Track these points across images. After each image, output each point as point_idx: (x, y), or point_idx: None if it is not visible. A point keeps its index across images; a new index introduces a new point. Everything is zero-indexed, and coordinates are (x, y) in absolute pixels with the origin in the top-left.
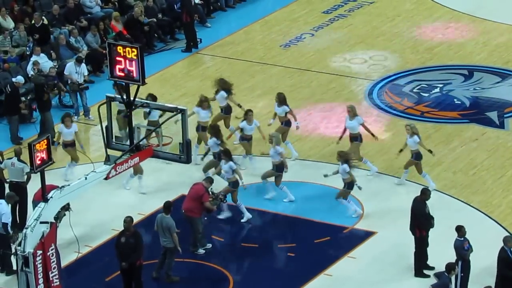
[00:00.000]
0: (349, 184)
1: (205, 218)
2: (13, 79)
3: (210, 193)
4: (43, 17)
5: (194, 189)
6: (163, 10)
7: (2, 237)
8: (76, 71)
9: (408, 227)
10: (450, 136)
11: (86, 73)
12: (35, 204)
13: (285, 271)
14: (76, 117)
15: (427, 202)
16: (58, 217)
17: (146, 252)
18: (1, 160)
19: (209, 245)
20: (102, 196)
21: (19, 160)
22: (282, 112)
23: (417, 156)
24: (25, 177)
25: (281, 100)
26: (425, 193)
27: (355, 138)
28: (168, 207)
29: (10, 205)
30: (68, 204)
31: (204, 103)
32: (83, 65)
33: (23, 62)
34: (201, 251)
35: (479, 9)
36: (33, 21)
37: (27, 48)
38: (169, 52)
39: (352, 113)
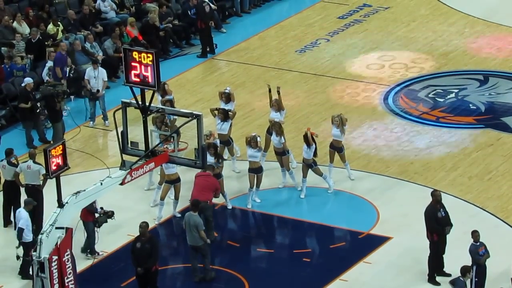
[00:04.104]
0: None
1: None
2: (22, 84)
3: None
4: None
5: (208, 181)
6: (178, 15)
7: (25, 244)
8: (94, 76)
9: (423, 232)
10: (465, 141)
11: (105, 78)
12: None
13: (300, 276)
14: (91, 122)
15: (444, 207)
16: (98, 221)
17: (162, 258)
18: (16, 164)
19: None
20: (118, 201)
21: (34, 162)
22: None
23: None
24: (41, 179)
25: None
26: (433, 195)
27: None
28: (196, 205)
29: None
30: (112, 211)
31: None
32: (101, 69)
33: (38, 69)
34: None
35: (494, 14)
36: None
37: (27, 66)
38: (184, 57)
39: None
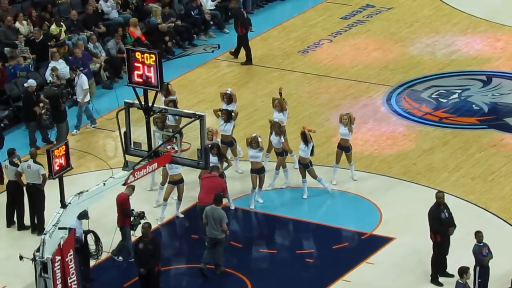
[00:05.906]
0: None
1: None
2: (25, 84)
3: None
4: (59, 27)
5: (215, 182)
6: (181, 16)
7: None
8: (75, 82)
9: (426, 232)
10: (469, 142)
11: (85, 86)
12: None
13: (303, 277)
14: (91, 125)
15: (448, 208)
16: (134, 224)
17: (165, 258)
18: (18, 164)
19: None
20: None
21: (35, 162)
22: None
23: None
24: (41, 178)
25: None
26: (436, 196)
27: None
28: (219, 199)
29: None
30: (143, 212)
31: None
32: (82, 76)
33: (41, 69)
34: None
35: (497, 15)
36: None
37: (30, 66)
38: (187, 58)
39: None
